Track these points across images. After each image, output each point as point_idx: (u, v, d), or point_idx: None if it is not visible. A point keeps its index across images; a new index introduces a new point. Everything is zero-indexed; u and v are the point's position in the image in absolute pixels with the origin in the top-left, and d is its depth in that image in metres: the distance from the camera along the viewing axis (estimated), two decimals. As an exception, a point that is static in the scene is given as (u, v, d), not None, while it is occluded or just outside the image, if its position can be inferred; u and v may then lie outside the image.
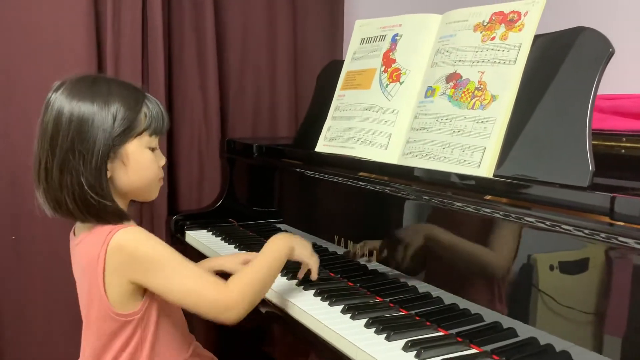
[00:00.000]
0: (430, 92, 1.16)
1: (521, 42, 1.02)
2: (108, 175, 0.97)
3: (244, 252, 1.40)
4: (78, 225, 1.04)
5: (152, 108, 1.01)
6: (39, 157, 0.97)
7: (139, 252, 0.95)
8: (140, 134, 0.99)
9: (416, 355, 0.89)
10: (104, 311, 0.97)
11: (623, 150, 1.14)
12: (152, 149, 1.02)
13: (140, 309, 0.99)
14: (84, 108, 0.94)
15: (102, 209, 0.96)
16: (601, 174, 0.87)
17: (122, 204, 1.02)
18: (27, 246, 1.70)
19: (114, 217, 0.98)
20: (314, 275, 1.16)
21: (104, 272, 0.95)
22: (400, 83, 1.26)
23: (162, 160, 1.06)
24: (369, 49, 1.39)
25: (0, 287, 1.69)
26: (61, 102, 0.95)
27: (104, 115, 0.95)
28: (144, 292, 0.99)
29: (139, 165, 1.00)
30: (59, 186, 0.95)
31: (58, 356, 1.66)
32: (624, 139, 1.14)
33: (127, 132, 0.97)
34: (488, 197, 0.93)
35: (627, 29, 1.36)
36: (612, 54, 0.89)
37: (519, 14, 1.04)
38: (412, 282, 1.09)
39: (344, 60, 1.48)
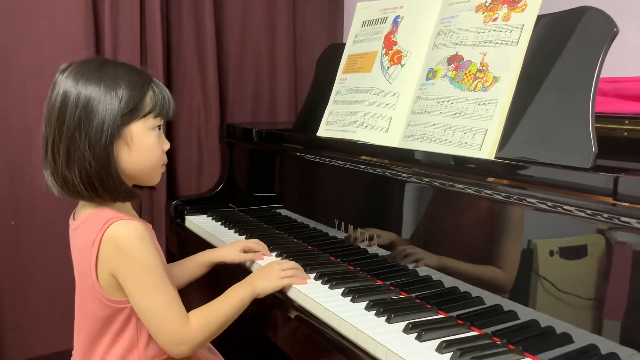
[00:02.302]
0: (431, 74, 1.14)
1: (524, 23, 1.00)
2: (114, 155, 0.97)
3: (242, 239, 1.38)
4: (78, 209, 1.04)
5: (158, 92, 1.02)
6: (46, 137, 0.97)
7: (127, 249, 0.95)
8: (145, 115, 0.99)
9: (417, 337, 0.89)
10: (96, 296, 0.98)
11: (625, 133, 1.13)
12: (159, 127, 1.02)
13: None
14: (91, 89, 0.94)
15: (111, 187, 0.96)
16: (603, 157, 0.87)
17: None
18: (26, 231, 1.70)
19: (124, 194, 0.99)
20: (302, 283, 1.14)
21: (96, 259, 0.95)
22: (402, 66, 1.25)
23: (166, 145, 1.05)
24: (370, 31, 1.38)
25: (0, 272, 1.69)
26: (68, 83, 0.95)
27: (110, 97, 0.95)
28: None
29: (143, 147, 0.99)
30: (66, 165, 0.95)
31: (59, 339, 1.66)
32: (627, 122, 1.13)
33: (133, 112, 0.97)
34: (490, 179, 0.93)
35: (632, 9, 1.35)
36: (616, 33, 0.88)
37: (521, -6, 1.03)
38: (412, 266, 1.09)
39: (343, 44, 1.47)
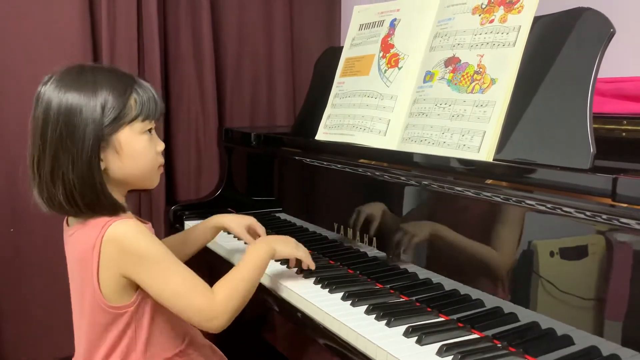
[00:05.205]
0: (429, 76, 1.14)
1: (520, 24, 1.00)
2: (103, 167, 0.95)
3: (250, 216, 1.33)
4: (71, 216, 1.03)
5: (143, 93, 0.99)
6: (32, 154, 0.95)
7: (131, 246, 0.94)
8: (131, 121, 0.97)
9: (417, 341, 0.89)
10: (96, 303, 0.97)
11: (624, 134, 1.13)
12: (149, 130, 1.00)
13: (133, 302, 0.98)
14: (71, 99, 0.93)
15: (94, 202, 0.95)
16: (602, 157, 0.86)
17: (119, 194, 1.00)
18: (26, 238, 1.70)
19: (108, 209, 0.97)
20: (310, 266, 1.16)
21: (98, 264, 0.95)
22: (399, 68, 1.24)
23: (160, 146, 1.03)
24: (367, 34, 1.38)
25: (0, 279, 1.68)
26: (50, 94, 0.94)
27: (92, 105, 0.93)
28: (137, 286, 0.98)
29: (134, 153, 0.97)
30: (51, 181, 0.93)
31: (58, 347, 1.65)
32: (625, 122, 1.13)
33: (118, 120, 0.95)
34: (488, 181, 0.93)
35: (628, 10, 1.35)
36: (612, 34, 0.88)
37: (518, -5, 1.03)
38: (412, 269, 1.09)
39: (341, 47, 1.47)
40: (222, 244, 1.43)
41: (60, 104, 0.93)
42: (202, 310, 0.97)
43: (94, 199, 0.94)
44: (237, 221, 1.28)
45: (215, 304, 0.97)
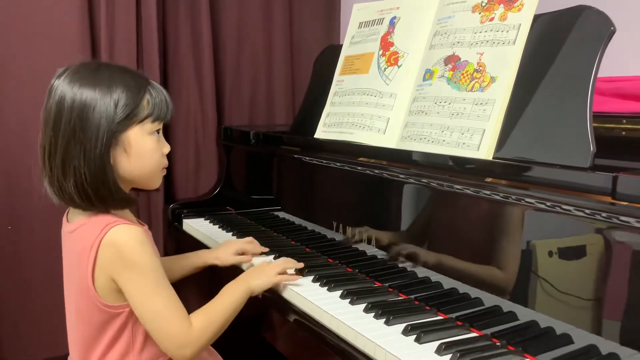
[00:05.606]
0: (428, 74, 1.14)
1: (520, 22, 1.00)
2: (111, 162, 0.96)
3: (234, 240, 1.37)
4: (72, 211, 1.03)
5: (156, 95, 1.00)
6: (43, 145, 0.96)
7: (127, 254, 0.94)
8: (142, 120, 0.98)
9: (416, 339, 0.89)
10: (92, 301, 0.97)
11: (623, 133, 1.13)
12: (157, 131, 1.01)
13: (128, 302, 0.98)
14: (86, 94, 0.93)
15: (107, 196, 0.95)
16: (601, 156, 0.86)
17: None
18: (23, 236, 1.69)
19: (120, 203, 0.98)
20: (297, 267, 1.15)
21: (94, 264, 0.95)
22: (399, 66, 1.24)
23: (166, 148, 1.04)
24: (367, 33, 1.38)
25: (-2, 278, 1.68)
26: (64, 88, 0.94)
27: (106, 102, 0.94)
28: None
29: (141, 153, 0.98)
30: (62, 174, 0.94)
31: (57, 344, 1.65)
32: (624, 121, 1.13)
33: (129, 118, 0.96)
34: (488, 179, 0.92)
35: (629, 8, 1.34)
36: (613, 32, 0.88)
37: (518, -7, 1.02)
38: (411, 267, 1.09)
39: (340, 45, 1.47)
40: (217, 240, 1.43)
41: (75, 97, 0.93)
42: (177, 337, 0.97)
43: (106, 193, 0.95)
44: (224, 253, 1.28)
45: (191, 334, 0.97)
